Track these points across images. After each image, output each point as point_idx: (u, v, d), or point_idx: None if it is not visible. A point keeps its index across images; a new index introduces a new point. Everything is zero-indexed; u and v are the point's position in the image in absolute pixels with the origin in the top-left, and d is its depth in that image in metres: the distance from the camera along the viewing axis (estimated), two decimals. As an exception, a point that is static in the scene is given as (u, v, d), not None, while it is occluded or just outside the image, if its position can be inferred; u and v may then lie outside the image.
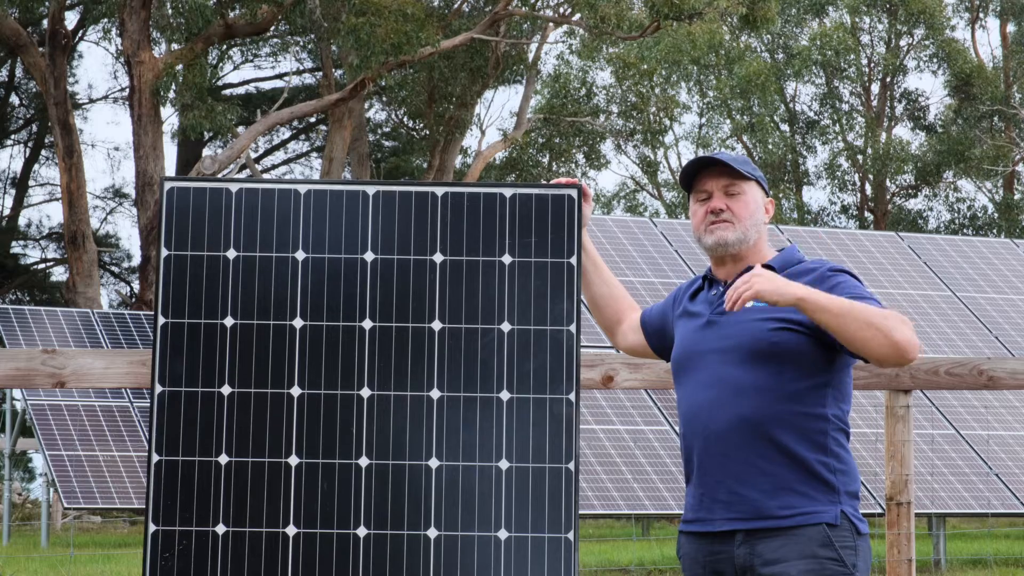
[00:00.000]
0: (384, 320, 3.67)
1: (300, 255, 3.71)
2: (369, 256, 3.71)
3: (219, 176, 26.11)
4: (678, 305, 3.85)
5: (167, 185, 3.71)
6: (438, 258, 3.71)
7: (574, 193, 3.74)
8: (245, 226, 3.70)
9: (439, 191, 3.73)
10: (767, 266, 3.70)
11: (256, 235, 3.70)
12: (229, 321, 3.67)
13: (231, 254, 3.70)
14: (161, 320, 3.65)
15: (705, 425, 3.60)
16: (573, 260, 3.71)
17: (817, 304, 3.42)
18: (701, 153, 42.02)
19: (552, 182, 3.79)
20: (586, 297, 4.04)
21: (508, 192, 3.73)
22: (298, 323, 3.67)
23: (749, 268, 3.66)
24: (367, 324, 3.67)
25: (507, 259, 3.70)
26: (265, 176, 37.92)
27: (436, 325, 3.67)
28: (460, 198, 3.73)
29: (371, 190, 3.74)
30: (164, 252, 3.69)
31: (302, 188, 3.72)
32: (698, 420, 3.62)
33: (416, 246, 3.71)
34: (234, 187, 3.72)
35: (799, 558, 3.50)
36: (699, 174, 3.71)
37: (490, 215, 3.71)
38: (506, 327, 3.68)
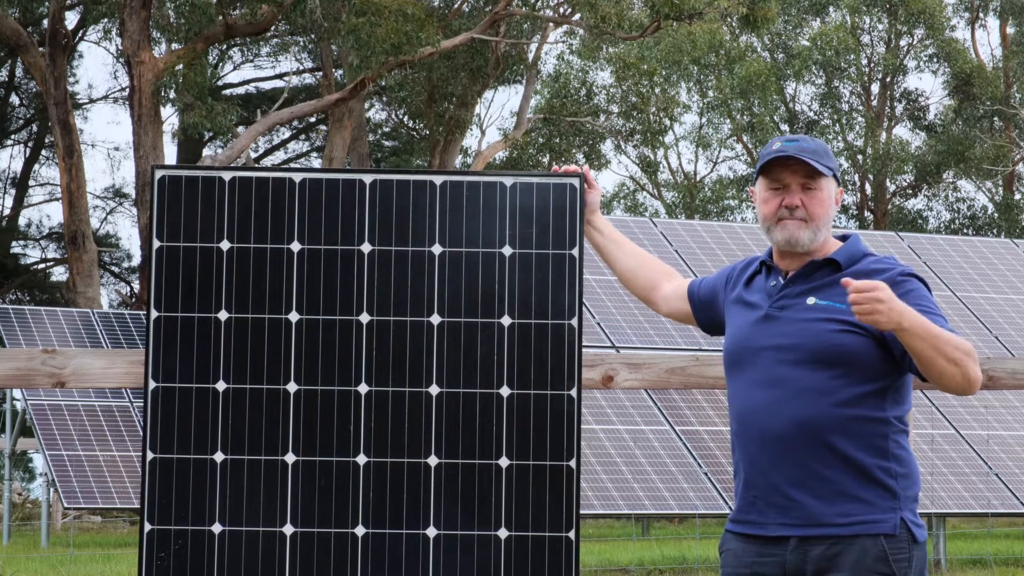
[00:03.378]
0: (382, 314, 3.63)
1: (295, 246, 3.67)
2: (366, 247, 3.67)
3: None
4: (731, 287, 3.74)
5: (159, 173, 3.66)
6: (437, 249, 3.66)
7: (576, 182, 3.69)
8: (239, 216, 3.66)
9: (437, 180, 3.68)
10: (831, 260, 3.57)
11: (250, 226, 3.65)
12: (223, 315, 3.63)
13: (224, 245, 3.66)
14: (154, 314, 3.61)
15: (760, 427, 3.50)
16: (575, 251, 3.67)
17: (915, 334, 3.31)
18: (700, 152, 41.82)
19: (555, 170, 3.74)
20: (615, 273, 3.98)
21: (508, 181, 3.69)
22: (294, 317, 3.63)
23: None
24: (364, 318, 3.64)
25: (507, 250, 3.66)
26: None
27: (435, 319, 3.63)
28: (459, 187, 3.68)
29: (367, 179, 3.69)
30: (156, 243, 3.65)
31: (297, 177, 3.67)
32: (753, 421, 3.52)
33: (414, 237, 3.66)
34: (227, 176, 3.67)
35: (851, 570, 3.41)
36: (777, 160, 3.58)
37: (490, 205, 3.67)
38: (506, 321, 3.64)
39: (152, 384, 3.60)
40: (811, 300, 3.52)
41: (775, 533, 3.49)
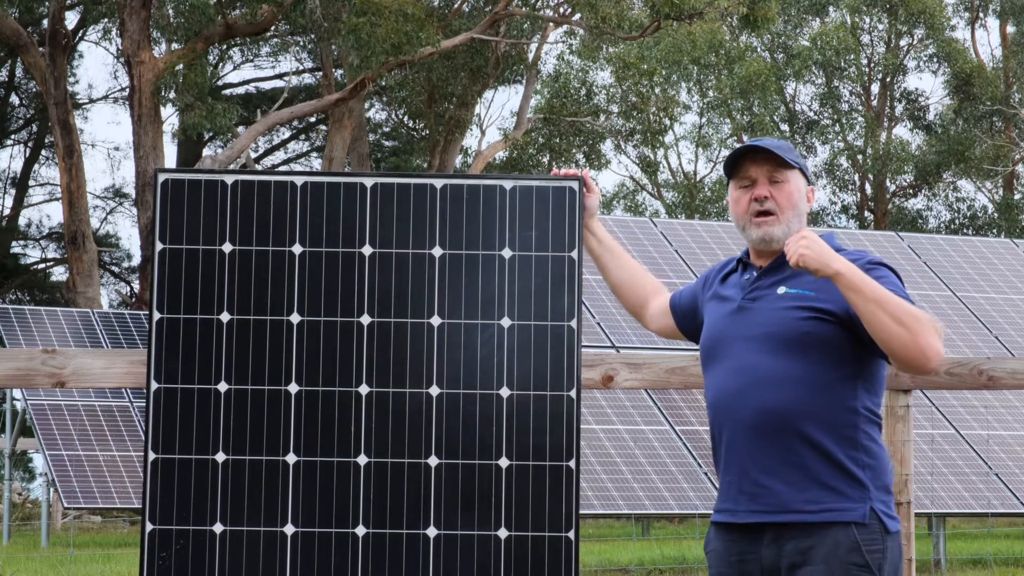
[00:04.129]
0: (383, 316, 3.65)
1: (297, 249, 3.68)
2: (367, 250, 3.68)
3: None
4: (709, 287, 3.79)
5: (161, 177, 3.68)
6: (437, 252, 3.68)
7: (575, 185, 3.71)
8: (241, 219, 3.68)
9: (438, 183, 3.70)
10: None
11: (252, 228, 3.67)
12: (225, 317, 3.65)
13: (227, 248, 3.67)
14: (156, 316, 3.63)
15: (732, 415, 3.55)
16: (574, 254, 3.69)
17: (853, 283, 3.36)
18: (700, 152, 41.86)
19: (554, 173, 3.75)
20: (608, 284, 4.01)
21: (508, 184, 3.70)
22: (295, 318, 3.64)
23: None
24: (365, 320, 3.65)
25: (507, 253, 3.68)
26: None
27: (435, 321, 3.65)
28: (459, 190, 3.70)
29: (368, 182, 3.71)
30: (159, 246, 3.67)
31: (299, 180, 3.69)
32: (726, 409, 3.57)
33: (415, 240, 3.68)
34: (229, 179, 3.69)
35: (824, 562, 3.44)
36: (742, 160, 3.65)
37: (490, 208, 3.68)
38: (506, 323, 3.65)
39: (154, 385, 3.61)
40: (782, 290, 3.58)
41: (745, 520, 3.53)
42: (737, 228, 3.70)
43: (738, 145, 3.73)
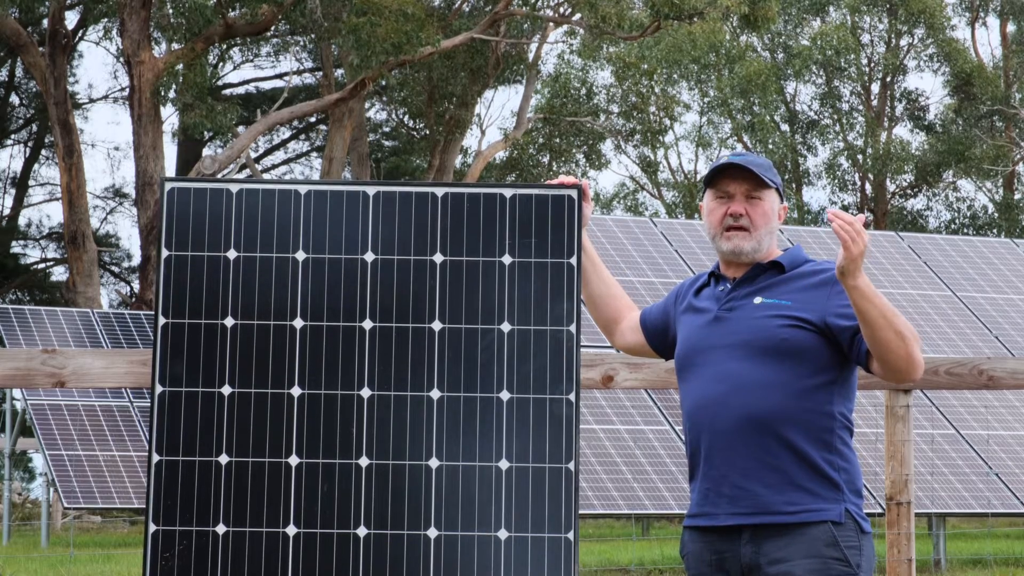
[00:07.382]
0: (384, 320, 3.67)
1: (300, 255, 3.71)
2: (369, 256, 3.71)
3: (219, 176, 26.08)
4: (681, 301, 3.86)
5: (167, 186, 3.71)
6: (438, 258, 3.71)
7: (574, 193, 3.74)
8: (245, 227, 3.71)
9: (439, 191, 3.74)
10: (776, 263, 3.71)
11: (256, 236, 3.70)
12: (229, 321, 3.67)
13: (231, 254, 3.70)
14: (161, 320, 3.65)
15: (713, 420, 3.61)
16: (573, 260, 3.71)
17: (867, 294, 3.43)
18: (700, 152, 41.88)
19: (552, 181, 3.79)
20: (584, 296, 4.05)
21: (508, 192, 3.73)
22: (298, 323, 3.67)
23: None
24: (367, 324, 3.67)
25: (507, 259, 3.70)
26: (265, 176, 37.97)
27: (436, 325, 3.67)
28: (460, 198, 3.73)
29: (371, 190, 3.74)
30: (164, 253, 3.69)
31: (302, 188, 3.72)
32: (706, 415, 3.63)
33: (416, 246, 3.71)
34: (234, 188, 3.72)
35: (804, 557, 3.52)
36: (722, 173, 3.73)
37: (490, 215, 3.71)
38: (506, 327, 3.67)
39: (159, 388, 3.64)
40: (758, 300, 3.65)
41: (726, 523, 3.60)
42: (707, 236, 3.79)
43: (725, 153, 3.79)
